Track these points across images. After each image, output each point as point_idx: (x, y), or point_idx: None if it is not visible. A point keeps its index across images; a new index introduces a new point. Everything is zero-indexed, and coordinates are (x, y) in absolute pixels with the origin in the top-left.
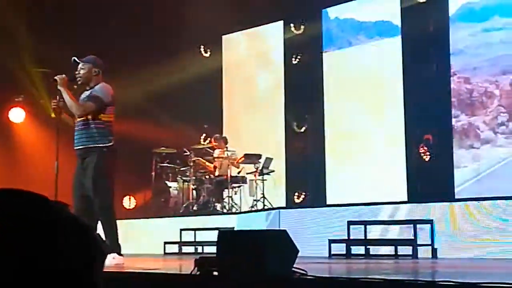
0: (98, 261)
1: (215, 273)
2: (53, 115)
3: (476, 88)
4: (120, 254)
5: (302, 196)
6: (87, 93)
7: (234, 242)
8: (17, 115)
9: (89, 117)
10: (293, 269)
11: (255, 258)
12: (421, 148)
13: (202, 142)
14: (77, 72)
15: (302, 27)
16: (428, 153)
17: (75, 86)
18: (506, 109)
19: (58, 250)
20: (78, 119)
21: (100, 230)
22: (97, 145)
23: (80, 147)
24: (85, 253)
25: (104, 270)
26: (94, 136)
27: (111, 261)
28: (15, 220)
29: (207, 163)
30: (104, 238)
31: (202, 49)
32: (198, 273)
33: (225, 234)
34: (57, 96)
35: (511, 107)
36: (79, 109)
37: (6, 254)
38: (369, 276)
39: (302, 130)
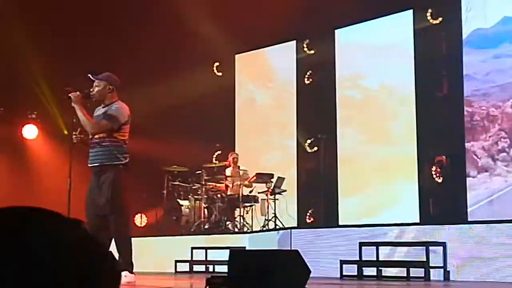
0: (110, 278)
1: None
2: (66, 132)
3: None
4: (131, 272)
5: (314, 216)
6: (102, 110)
7: (246, 262)
8: (30, 131)
9: (105, 134)
10: None
11: (266, 278)
12: (433, 170)
13: (214, 161)
14: (91, 90)
15: (314, 47)
16: (440, 175)
17: (88, 104)
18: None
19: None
20: (94, 137)
21: (113, 247)
22: (113, 163)
23: (96, 164)
24: (98, 269)
25: None
26: (110, 154)
27: (122, 279)
28: (31, 237)
29: (217, 185)
30: (117, 256)
31: (215, 68)
32: None
33: (237, 254)
34: (78, 129)
35: None
36: (93, 128)
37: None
38: None
39: (314, 150)
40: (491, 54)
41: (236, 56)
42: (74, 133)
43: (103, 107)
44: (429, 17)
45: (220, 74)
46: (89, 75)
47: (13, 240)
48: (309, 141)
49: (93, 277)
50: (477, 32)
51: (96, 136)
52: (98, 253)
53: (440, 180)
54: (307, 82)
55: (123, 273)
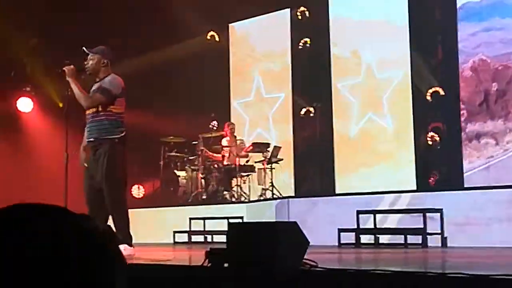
0: (118, 274)
1: (226, 264)
2: (61, 104)
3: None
4: (130, 245)
5: (311, 185)
6: (96, 85)
7: (244, 234)
8: (25, 104)
9: (100, 108)
10: (304, 260)
11: (265, 250)
12: (429, 136)
13: (211, 131)
14: (86, 63)
15: (307, 13)
16: (436, 141)
17: (83, 77)
18: None
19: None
20: (88, 112)
21: (110, 221)
22: (109, 137)
23: (92, 139)
24: (105, 266)
25: None
26: (106, 128)
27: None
28: (34, 235)
29: (214, 154)
30: (115, 230)
31: (209, 37)
32: (209, 265)
33: (235, 226)
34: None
35: None
36: (87, 101)
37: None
38: (379, 268)
39: (310, 117)
40: (482, 27)
41: (230, 25)
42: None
43: (97, 82)
44: None
45: (214, 42)
46: (84, 48)
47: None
48: (304, 109)
49: (97, 272)
50: (468, 5)
51: (91, 111)
52: (104, 248)
53: (436, 147)
54: (301, 48)
55: (122, 246)
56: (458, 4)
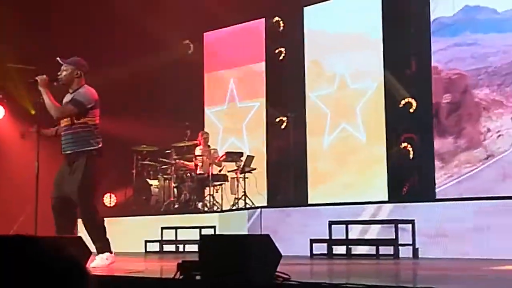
0: None
1: (198, 277)
2: (33, 112)
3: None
4: (111, 252)
5: (283, 195)
6: (69, 96)
7: (217, 247)
8: None
9: (75, 120)
10: (277, 273)
11: (238, 263)
12: (402, 147)
13: (184, 140)
14: (59, 73)
15: (282, 24)
16: (409, 152)
17: (55, 84)
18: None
19: None
20: (63, 123)
21: (81, 230)
22: (86, 149)
23: (69, 151)
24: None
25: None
26: (82, 139)
27: (104, 261)
28: (30, 268)
29: (186, 163)
30: (92, 239)
31: (184, 44)
32: (181, 277)
33: (208, 239)
34: (34, 125)
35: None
36: (57, 111)
37: None
38: (352, 282)
39: (283, 127)
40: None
41: (205, 34)
42: (30, 130)
43: (70, 93)
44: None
45: (188, 51)
46: (58, 58)
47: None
48: (278, 119)
49: None
50: (440, 20)
51: (65, 123)
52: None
53: (410, 157)
54: (276, 59)
55: (104, 255)
56: (432, 18)
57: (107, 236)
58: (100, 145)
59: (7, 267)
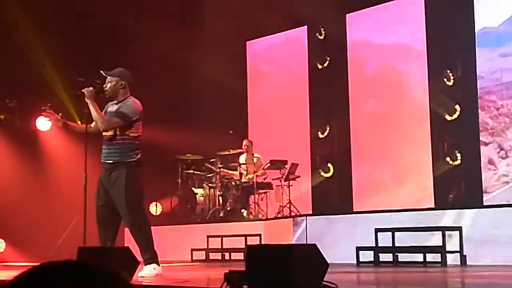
0: None
1: (245, 287)
2: (79, 122)
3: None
4: (158, 264)
5: (329, 203)
6: (115, 107)
7: (264, 257)
8: (43, 123)
9: (118, 132)
10: (324, 282)
11: (284, 274)
12: (448, 155)
13: (228, 149)
14: (104, 86)
15: (324, 32)
16: (456, 158)
17: (101, 95)
18: None
19: None
20: (105, 134)
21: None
22: (125, 161)
23: (109, 161)
24: None
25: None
26: (122, 152)
27: (151, 271)
28: None
29: (231, 172)
30: (140, 251)
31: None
32: (228, 287)
33: (254, 249)
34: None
35: None
36: (104, 124)
37: None
38: None
39: (325, 135)
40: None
41: (247, 43)
42: (58, 115)
43: (116, 104)
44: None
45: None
46: (102, 71)
47: None
48: (321, 127)
49: None
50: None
51: (107, 134)
52: None
53: (456, 163)
54: (319, 67)
55: (152, 266)
56: (476, 29)
57: (155, 247)
58: (139, 156)
59: None
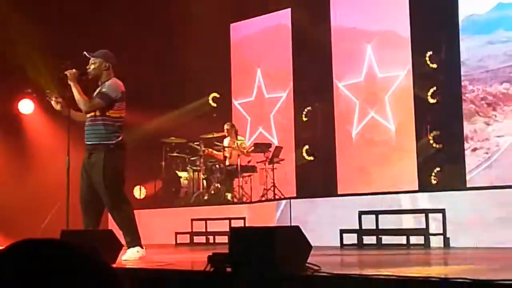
0: None
1: (229, 269)
2: (58, 108)
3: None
4: (142, 247)
5: (313, 185)
6: (98, 89)
7: (247, 239)
8: (26, 106)
9: (97, 113)
10: (307, 264)
11: (268, 255)
12: (431, 135)
13: (212, 133)
14: (88, 67)
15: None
16: (439, 140)
17: (84, 78)
18: None
19: None
20: (88, 115)
21: (111, 224)
22: (103, 142)
23: (88, 143)
24: None
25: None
26: (101, 133)
27: (135, 254)
28: (44, 271)
29: (215, 152)
30: (122, 233)
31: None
32: (211, 269)
33: (238, 231)
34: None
35: None
36: (86, 105)
37: None
38: (383, 273)
39: (309, 118)
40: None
41: (231, 25)
42: (54, 96)
43: (99, 86)
44: None
45: (215, 43)
46: (85, 53)
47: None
48: (306, 109)
49: None
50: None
51: (89, 115)
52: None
53: (439, 145)
54: (303, 49)
55: (135, 249)
56: (462, 16)
57: (138, 230)
58: (119, 139)
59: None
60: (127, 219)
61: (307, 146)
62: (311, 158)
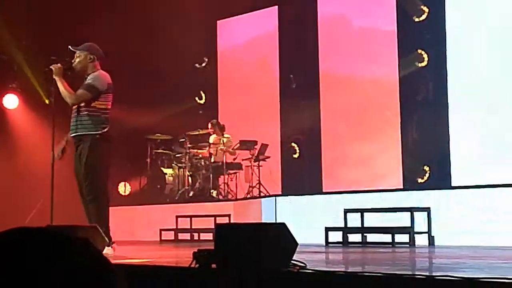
0: None
1: (214, 266)
2: (47, 101)
3: None
4: (108, 245)
5: (298, 183)
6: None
7: (233, 235)
8: (11, 101)
9: (82, 104)
10: (292, 261)
11: (253, 252)
12: (416, 133)
13: (198, 130)
14: (73, 61)
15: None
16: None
17: (69, 73)
18: None
19: None
20: (73, 107)
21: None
22: (89, 133)
23: (74, 134)
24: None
25: None
26: (87, 124)
27: (109, 250)
28: (38, 261)
29: (198, 150)
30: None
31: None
32: (196, 266)
33: (223, 228)
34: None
35: None
36: (71, 98)
37: None
38: (368, 271)
39: (296, 115)
40: None
41: (218, 22)
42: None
43: (85, 78)
44: None
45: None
46: (69, 46)
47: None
48: (292, 107)
49: None
50: None
51: (75, 107)
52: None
53: (425, 140)
54: (289, 46)
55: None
56: None
57: (109, 227)
58: (105, 131)
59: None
60: (101, 214)
61: (293, 143)
62: (297, 155)
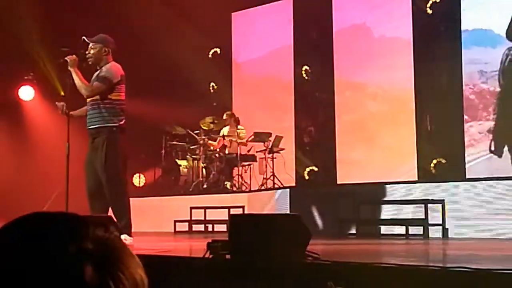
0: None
1: (228, 256)
2: (62, 93)
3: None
4: (130, 235)
5: (312, 175)
6: (96, 73)
7: (247, 226)
8: (26, 93)
9: (98, 97)
10: (306, 252)
11: (267, 243)
12: (430, 126)
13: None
14: (87, 52)
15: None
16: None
17: (84, 65)
18: None
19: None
20: (88, 100)
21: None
22: (107, 125)
23: (91, 127)
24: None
25: None
26: (104, 116)
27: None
28: (57, 243)
29: (214, 143)
30: (115, 219)
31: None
32: (210, 256)
33: (237, 218)
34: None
35: None
36: (87, 90)
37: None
38: (383, 262)
39: (313, 105)
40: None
41: (233, 14)
42: (62, 105)
43: (98, 70)
44: None
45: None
46: (84, 38)
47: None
48: (306, 100)
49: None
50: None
51: (90, 100)
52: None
53: (438, 135)
54: (304, 39)
55: (122, 237)
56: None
57: (131, 218)
58: (122, 122)
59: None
60: (122, 205)
61: (307, 136)
62: (310, 148)
